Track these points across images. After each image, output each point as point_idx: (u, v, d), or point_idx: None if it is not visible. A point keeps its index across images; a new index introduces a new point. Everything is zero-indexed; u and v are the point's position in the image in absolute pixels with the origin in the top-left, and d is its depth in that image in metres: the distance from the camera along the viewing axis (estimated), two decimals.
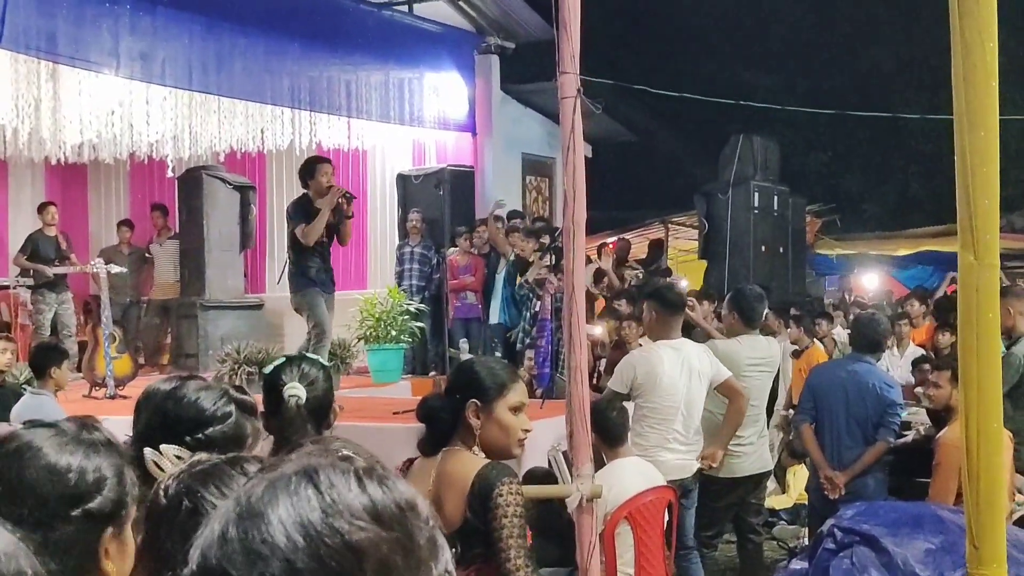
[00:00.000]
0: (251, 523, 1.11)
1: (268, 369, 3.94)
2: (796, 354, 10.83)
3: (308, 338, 10.21)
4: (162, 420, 2.72)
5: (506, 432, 3.82)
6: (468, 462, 3.75)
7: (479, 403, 3.78)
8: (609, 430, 6.46)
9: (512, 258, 13.14)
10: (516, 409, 3.84)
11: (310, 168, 10.12)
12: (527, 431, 3.89)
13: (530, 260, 12.90)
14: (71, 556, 1.81)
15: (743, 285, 8.75)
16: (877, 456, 7.42)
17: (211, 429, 2.68)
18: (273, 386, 3.80)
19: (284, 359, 4.00)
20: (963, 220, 2.73)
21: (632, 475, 6.34)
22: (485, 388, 3.82)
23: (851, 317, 13.52)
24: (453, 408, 3.85)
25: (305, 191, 10.12)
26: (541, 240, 13.34)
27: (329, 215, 9.88)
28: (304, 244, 9.97)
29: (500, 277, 13.30)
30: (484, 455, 3.81)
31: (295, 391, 3.72)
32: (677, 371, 7.01)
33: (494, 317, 13.37)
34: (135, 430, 2.75)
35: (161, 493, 1.65)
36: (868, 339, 7.69)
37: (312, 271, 10.13)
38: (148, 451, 2.31)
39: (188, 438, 2.59)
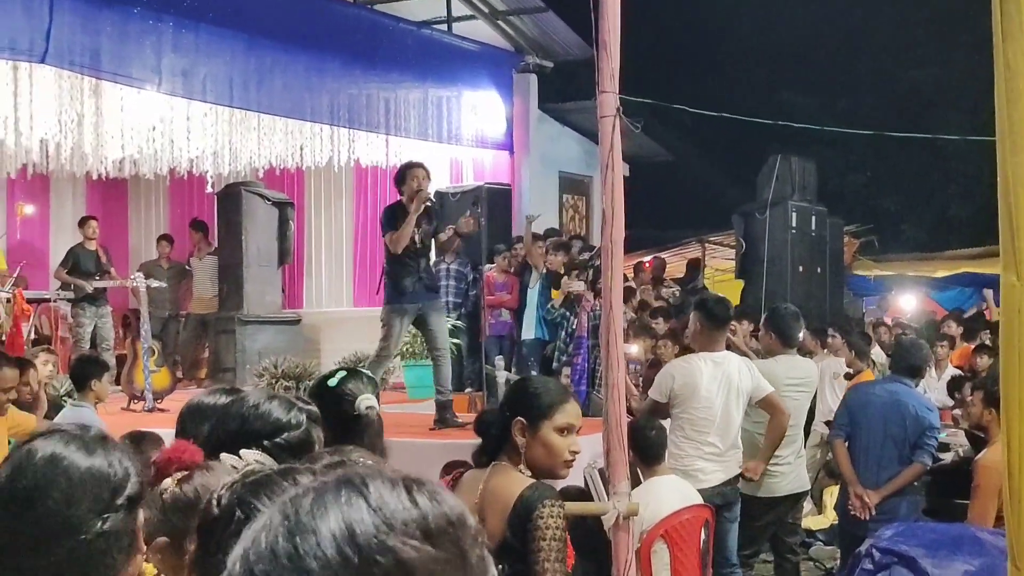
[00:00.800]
0: (302, 538, 1.08)
1: (333, 381, 3.75)
2: (848, 377, 10.76)
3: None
4: (239, 426, 2.78)
5: (551, 453, 3.79)
6: (513, 480, 3.75)
7: (524, 421, 3.79)
8: (647, 447, 6.45)
9: (544, 271, 13.16)
10: (563, 430, 3.80)
11: (402, 173, 9.62)
12: (575, 453, 3.84)
13: (561, 273, 12.92)
14: (123, 539, 1.99)
15: (780, 305, 8.73)
16: (912, 478, 7.37)
17: (287, 435, 2.73)
18: (340, 397, 3.64)
19: (345, 371, 3.84)
20: (1005, 241, 2.73)
21: (669, 493, 6.33)
22: (530, 407, 3.82)
23: (892, 338, 13.46)
24: (503, 424, 3.86)
25: (399, 198, 9.63)
26: (571, 254, 13.37)
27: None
28: (393, 252, 9.47)
29: (534, 291, 13.30)
30: (530, 473, 3.81)
31: (371, 402, 3.63)
32: (715, 384, 7.00)
33: (528, 332, 13.36)
34: (198, 440, 2.78)
35: (214, 503, 1.67)
36: (909, 363, 7.67)
37: (404, 281, 9.55)
38: (226, 456, 2.34)
39: (266, 443, 2.63)
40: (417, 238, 9.46)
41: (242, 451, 2.39)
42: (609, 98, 5.80)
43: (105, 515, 1.98)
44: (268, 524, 1.11)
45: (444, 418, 9.49)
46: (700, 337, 7.27)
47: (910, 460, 7.38)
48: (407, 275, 9.50)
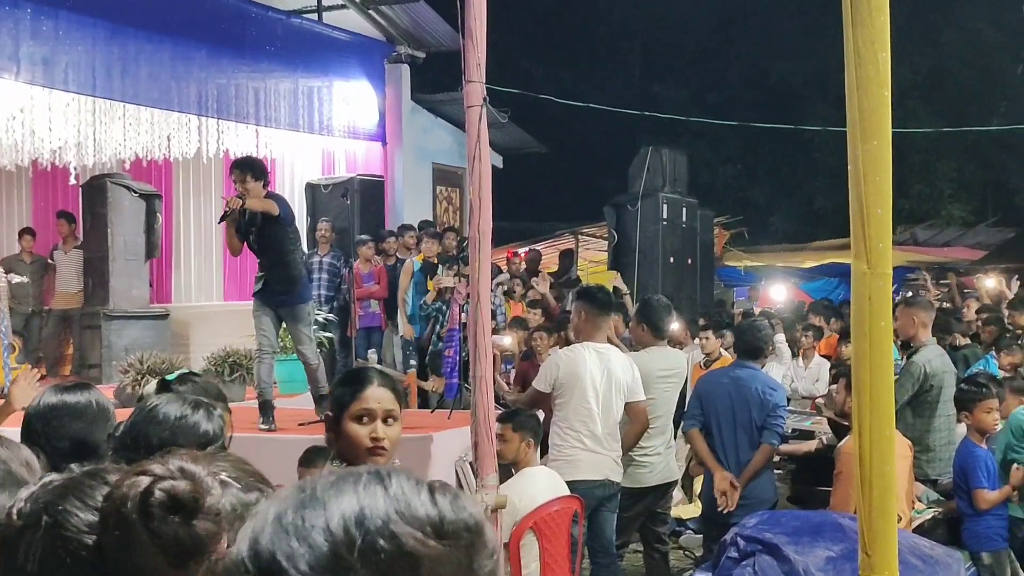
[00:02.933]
0: (311, 511, 1.07)
1: (170, 377, 3.76)
2: (707, 364, 10.88)
3: None
4: (168, 437, 2.77)
5: (351, 443, 3.52)
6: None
7: (331, 414, 3.62)
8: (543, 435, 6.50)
9: (419, 265, 13.12)
10: (361, 417, 3.52)
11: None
12: (376, 440, 3.49)
13: (435, 262, 12.90)
14: None
15: (651, 296, 8.77)
16: (764, 461, 7.42)
17: (212, 447, 2.70)
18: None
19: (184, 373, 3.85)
20: (856, 229, 2.75)
21: (540, 485, 6.33)
22: (333, 399, 3.64)
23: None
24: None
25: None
26: (444, 245, 13.36)
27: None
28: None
29: (411, 286, 13.25)
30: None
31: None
32: (599, 374, 7.01)
33: (403, 329, 13.30)
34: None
35: (14, 515, 1.60)
36: (749, 345, 7.72)
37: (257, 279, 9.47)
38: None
39: None
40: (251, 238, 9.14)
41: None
42: (476, 88, 5.77)
43: None
44: (283, 496, 1.11)
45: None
46: (584, 326, 7.26)
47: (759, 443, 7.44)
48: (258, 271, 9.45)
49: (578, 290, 8.37)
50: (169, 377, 3.80)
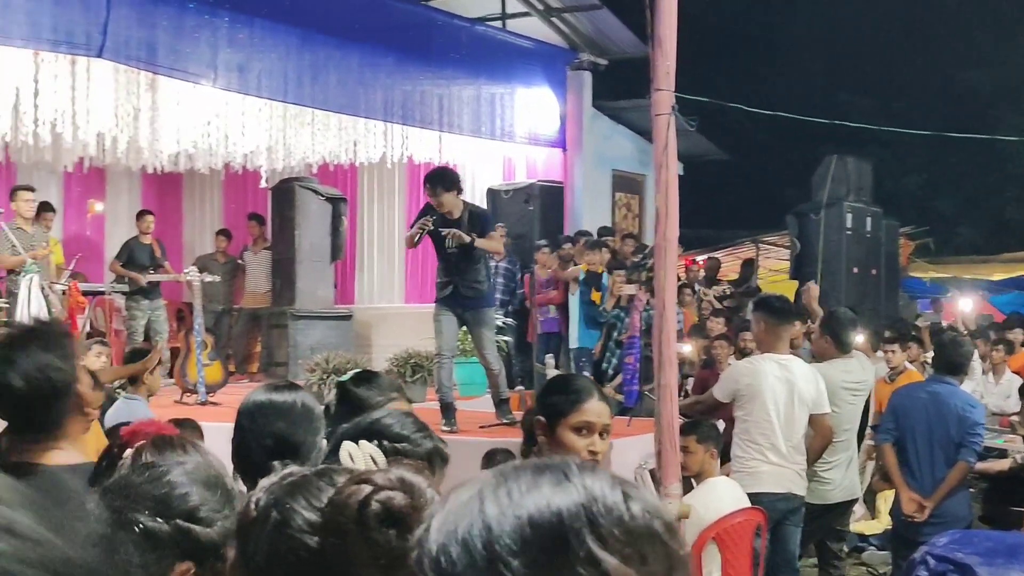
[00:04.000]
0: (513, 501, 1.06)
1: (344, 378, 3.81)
2: (892, 378, 10.59)
3: None
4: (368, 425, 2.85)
5: (566, 452, 3.54)
6: None
7: (544, 420, 3.68)
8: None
9: (583, 275, 13.11)
10: (581, 429, 3.61)
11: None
12: (594, 453, 3.60)
13: (599, 271, 12.88)
14: None
15: (836, 309, 8.63)
16: (960, 478, 7.24)
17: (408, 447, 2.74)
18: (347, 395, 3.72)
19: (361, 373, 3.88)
20: None
21: (722, 495, 6.27)
22: (549, 405, 3.70)
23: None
24: (530, 423, 3.81)
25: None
26: (612, 252, 13.34)
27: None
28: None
29: (574, 298, 13.25)
30: None
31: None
32: (781, 386, 6.90)
33: (574, 342, 13.31)
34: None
35: (252, 506, 1.65)
36: (949, 361, 7.53)
37: (438, 284, 9.69)
38: (347, 444, 2.36)
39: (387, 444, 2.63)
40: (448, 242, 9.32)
41: (362, 441, 2.40)
42: (664, 96, 5.77)
43: None
44: (480, 483, 1.10)
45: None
46: (765, 337, 7.14)
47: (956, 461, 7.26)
48: (439, 275, 9.63)
49: (756, 300, 8.25)
50: (343, 378, 3.86)
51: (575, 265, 13.85)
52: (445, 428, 9.22)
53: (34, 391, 3.08)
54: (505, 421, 9.54)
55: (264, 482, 1.68)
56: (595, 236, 14.40)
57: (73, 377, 3.21)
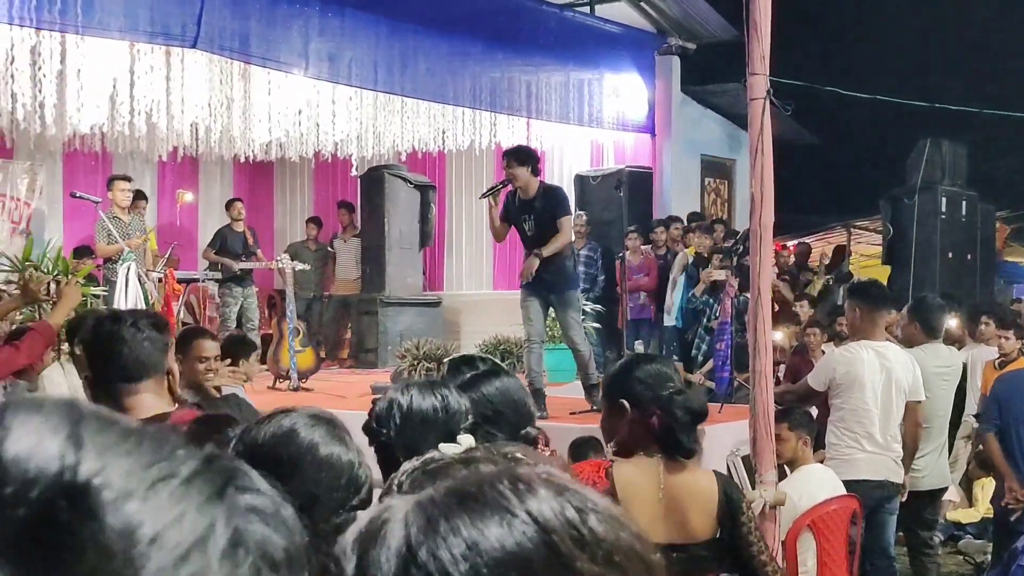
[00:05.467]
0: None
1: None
2: (1002, 365, 10.35)
3: None
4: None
5: None
6: (699, 474, 3.73)
7: (625, 404, 3.66)
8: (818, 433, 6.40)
9: (691, 259, 13.04)
10: None
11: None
12: None
13: (706, 255, 12.80)
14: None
15: (926, 295, 8.53)
16: None
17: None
18: None
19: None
20: None
21: (817, 483, 6.23)
22: (635, 394, 3.67)
23: None
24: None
25: None
26: (714, 238, 13.25)
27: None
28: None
29: (681, 278, 13.20)
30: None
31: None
32: (877, 374, 6.82)
33: (670, 319, 13.28)
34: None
35: (395, 489, 1.67)
36: None
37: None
38: (444, 446, 2.37)
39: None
40: (525, 227, 9.42)
41: (459, 436, 2.41)
42: (759, 80, 5.71)
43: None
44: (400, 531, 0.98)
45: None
46: (861, 324, 7.05)
47: None
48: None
49: (851, 286, 8.18)
50: (453, 357, 3.87)
51: (667, 250, 13.79)
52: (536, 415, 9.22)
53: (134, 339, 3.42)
54: (595, 407, 9.54)
55: (406, 465, 1.70)
56: (683, 220, 14.33)
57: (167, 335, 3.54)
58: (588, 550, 0.94)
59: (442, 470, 1.64)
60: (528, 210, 9.32)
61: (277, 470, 2.05)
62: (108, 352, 3.47)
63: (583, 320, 12.57)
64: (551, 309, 9.75)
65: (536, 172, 9.44)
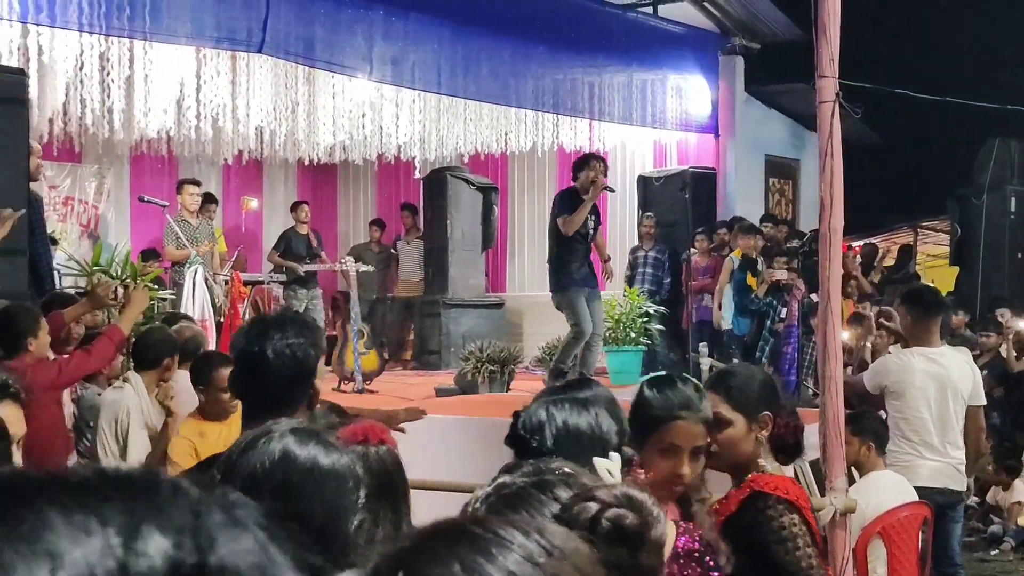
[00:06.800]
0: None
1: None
2: None
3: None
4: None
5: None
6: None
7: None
8: (882, 439, 6.32)
9: (738, 262, 12.94)
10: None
11: (583, 162, 10.44)
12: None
13: (754, 257, 12.69)
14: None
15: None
16: None
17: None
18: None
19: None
20: None
21: (887, 489, 6.16)
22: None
23: None
24: None
25: (572, 184, 10.45)
26: (766, 237, 13.14)
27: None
28: (565, 235, 10.19)
29: (729, 285, 13.10)
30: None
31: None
32: (930, 381, 6.74)
33: (725, 324, 13.17)
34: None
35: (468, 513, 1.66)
36: None
37: (573, 268, 10.33)
38: (599, 461, 2.34)
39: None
40: (591, 225, 10.22)
41: (611, 454, 2.40)
42: (828, 83, 5.65)
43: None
44: None
45: None
46: (912, 331, 6.98)
47: None
48: (575, 261, 10.32)
49: (904, 293, 8.05)
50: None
51: (729, 250, 13.70)
52: None
53: (282, 367, 3.18)
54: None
55: (478, 492, 1.68)
56: (749, 223, 14.22)
57: (315, 365, 3.28)
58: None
59: (516, 495, 1.62)
60: (593, 211, 10.17)
61: (285, 498, 2.01)
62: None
63: (645, 322, 12.57)
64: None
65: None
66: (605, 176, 10.19)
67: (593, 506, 1.54)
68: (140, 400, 6.54)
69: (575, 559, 1.01)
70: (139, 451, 6.39)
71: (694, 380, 3.45)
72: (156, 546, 0.69)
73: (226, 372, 5.99)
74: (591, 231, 10.27)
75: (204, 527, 0.72)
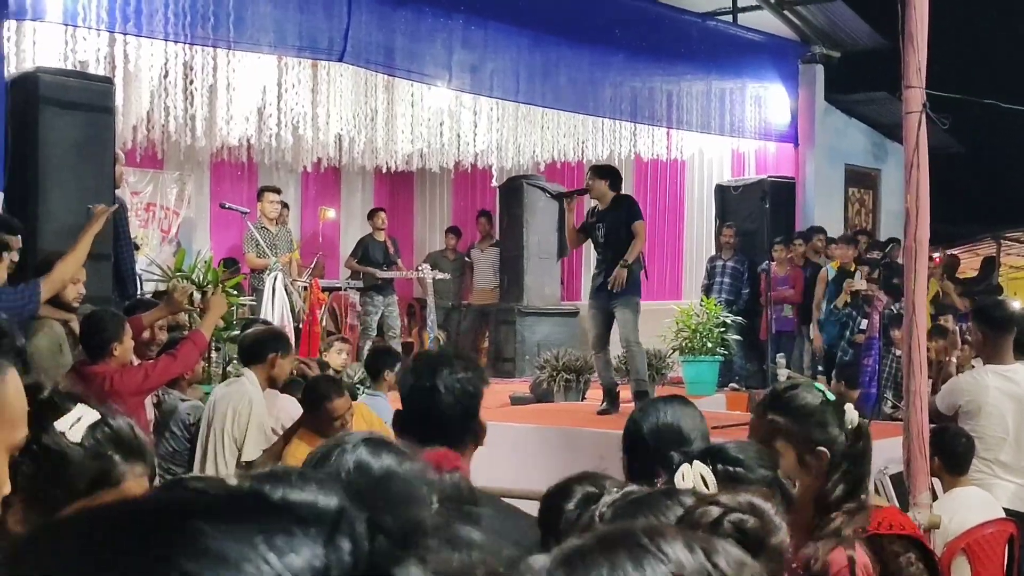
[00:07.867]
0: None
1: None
2: None
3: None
4: None
5: None
6: None
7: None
8: (954, 455, 6.16)
9: (834, 273, 12.80)
10: None
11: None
12: None
13: (851, 269, 12.55)
14: None
15: None
16: None
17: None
18: None
19: None
20: None
21: (972, 505, 6.05)
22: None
23: None
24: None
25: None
26: (858, 249, 12.98)
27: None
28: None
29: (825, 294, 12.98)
30: None
31: None
32: (1006, 400, 6.59)
33: (813, 336, 13.06)
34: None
35: (596, 519, 1.67)
36: None
37: (593, 277, 10.67)
38: (685, 466, 2.36)
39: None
40: (599, 234, 10.21)
41: (695, 462, 2.40)
42: (915, 94, 5.59)
43: None
44: None
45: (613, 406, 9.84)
46: (985, 349, 6.83)
47: None
48: (596, 268, 10.52)
49: (975, 309, 7.89)
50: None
51: (805, 261, 13.57)
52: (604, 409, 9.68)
53: (453, 402, 3.15)
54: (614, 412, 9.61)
55: (607, 498, 1.69)
56: (824, 232, 14.08)
57: (479, 402, 3.25)
58: None
59: (643, 500, 1.63)
60: (601, 219, 10.13)
61: (364, 508, 2.02)
62: None
63: (720, 332, 12.48)
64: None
65: (615, 187, 10.22)
66: (592, 184, 10.24)
67: (715, 510, 1.54)
68: (259, 392, 6.64)
69: None
70: (255, 445, 6.46)
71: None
72: None
73: (339, 403, 6.06)
74: (600, 239, 10.24)
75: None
